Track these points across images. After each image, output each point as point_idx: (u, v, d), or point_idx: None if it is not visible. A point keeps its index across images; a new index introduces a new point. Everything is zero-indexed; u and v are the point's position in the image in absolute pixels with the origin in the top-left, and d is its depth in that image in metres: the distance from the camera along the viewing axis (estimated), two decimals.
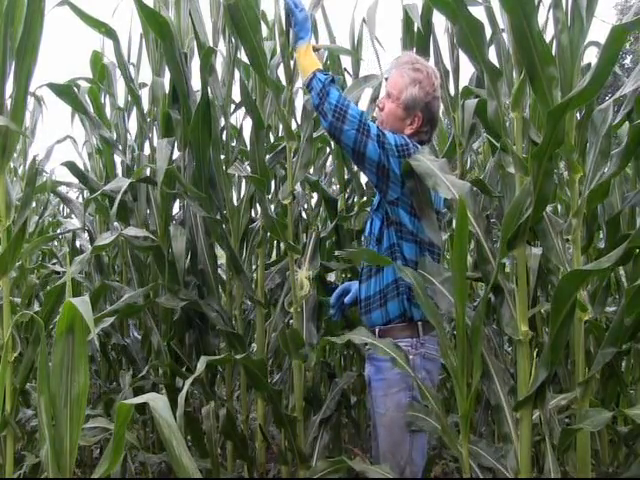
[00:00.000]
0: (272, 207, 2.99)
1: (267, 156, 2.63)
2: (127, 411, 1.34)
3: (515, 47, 1.71)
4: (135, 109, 3.07)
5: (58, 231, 4.07)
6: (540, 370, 1.67)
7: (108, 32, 2.83)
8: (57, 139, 3.84)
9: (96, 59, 3.32)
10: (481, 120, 2.65)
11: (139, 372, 2.86)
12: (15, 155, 3.72)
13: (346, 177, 3.27)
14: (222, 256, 2.85)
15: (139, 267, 3.05)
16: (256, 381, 2.33)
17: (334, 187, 3.71)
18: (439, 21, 8.79)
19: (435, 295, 1.91)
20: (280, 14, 2.31)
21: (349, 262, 2.95)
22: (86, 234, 3.55)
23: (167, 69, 2.63)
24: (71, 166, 3.13)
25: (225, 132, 2.68)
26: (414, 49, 2.73)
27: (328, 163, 3.79)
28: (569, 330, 1.68)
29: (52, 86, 2.70)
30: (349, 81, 3.20)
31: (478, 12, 1.80)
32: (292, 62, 2.39)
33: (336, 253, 2.35)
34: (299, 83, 2.40)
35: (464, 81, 2.80)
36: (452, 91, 2.77)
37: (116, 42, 2.88)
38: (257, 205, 2.88)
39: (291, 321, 2.58)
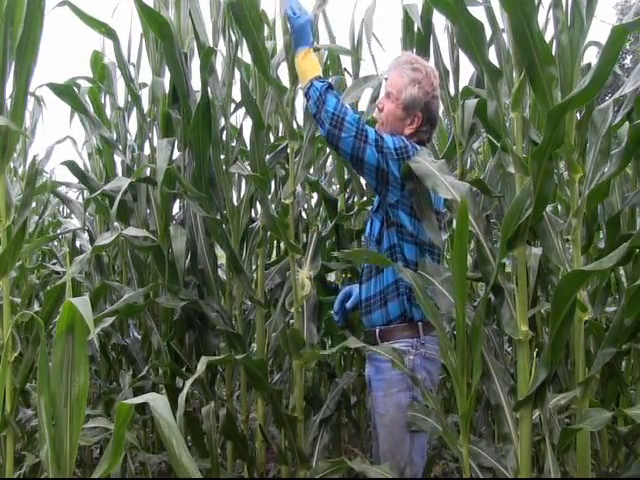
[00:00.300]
0: (272, 207, 3.00)
1: (267, 156, 2.63)
2: (127, 411, 1.34)
3: (515, 47, 1.71)
4: (135, 109, 3.07)
5: (58, 231, 4.07)
6: (540, 370, 1.67)
7: (108, 32, 2.83)
8: (57, 139, 3.84)
9: (96, 59, 3.32)
10: (481, 120, 2.65)
11: (139, 372, 2.86)
12: (15, 155, 3.72)
13: (346, 177, 3.27)
14: (222, 256, 2.84)
15: (139, 267, 3.04)
16: (256, 381, 2.33)
17: (334, 187, 3.71)
18: (439, 21, 8.80)
19: (435, 295, 1.91)
20: (283, 13, 2.31)
21: (349, 262, 2.95)
22: (86, 234, 3.55)
23: (167, 69, 2.63)
24: (71, 166, 3.13)
25: (225, 132, 2.68)
26: (414, 49, 2.73)
27: (328, 163, 3.79)
28: (569, 330, 1.68)
29: (52, 86, 2.70)
30: (349, 81, 3.20)
31: (478, 12, 1.80)
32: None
33: (336, 253, 2.35)
34: (301, 83, 2.40)
35: (464, 81, 2.81)
36: (452, 91, 2.77)
37: (116, 42, 2.87)
38: (257, 205, 2.88)
39: (291, 321, 2.58)
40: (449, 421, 1.96)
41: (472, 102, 2.66)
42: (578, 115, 2.04)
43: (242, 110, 3.01)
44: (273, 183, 3.22)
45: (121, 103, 3.34)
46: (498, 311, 1.80)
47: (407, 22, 2.80)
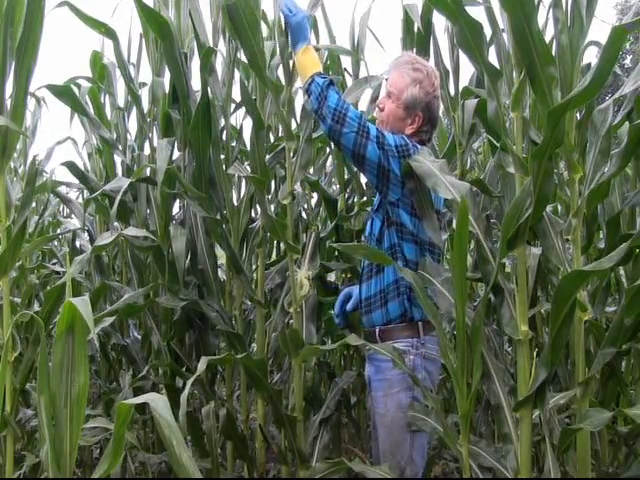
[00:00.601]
0: (272, 207, 3.00)
1: (267, 156, 2.63)
2: (127, 411, 1.34)
3: (515, 47, 1.71)
4: (135, 109, 3.07)
5: (58, 231, 4.07)
6: (540, 370, 1.67)
7: (108, 32, 2.82)
8: (58, 140, 3.84)
9: (96, 59, 3.32)
10: (481, 120, 2.65)
11: (139, 372, 2.86)
12: (15, 155, 3.72)
13: (346, 177, 3.27)
14: (222, 256, 2.84)
15: (139, 267, 3.04)
16: (256, 381, 2.33)
17: (334, 187, 3.71)
18: (439, 21, 8.79)
19: (435, 295, 1.91)
20: (279, 14, 2.31)
21: (349, 262, 2.95)
22: (86, 234, 3.55)
23: (167, 69, 2.63)
24: (71, 166, 3.13)
25: (225, 132, 2.68)
26: (414, 49, 2.73)
27: (328, 163, 3.79)
28: (569, 330, 1.68)
29: (51, 87, 2.69)
30: (349, 81, 3.20)
31: (478, 12, 1.80)
32: (291, 62, 2.39)
33: (334, 245, 2.34)
34: (299, 83, 2.40)
35: (464, 81, 2.81)
36: (452, 91, 2.77)
37: (116, 42, 2.87)
38: (257, 205, 2.88)
39: (291, 321, 2.58)
40: (449, 421, 1.96)
41: (472, 102, 2.66)
42: (578, 115, 2.04)
43: (242, 110, 3.02)
44: (273, 183, 3.23)
45: (121, 103, 3.34)
46: (498, 311, 1.80)
47: (407, 22, 2.80)
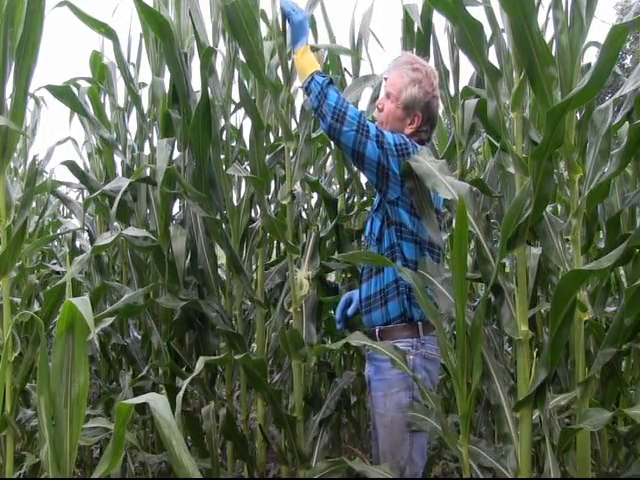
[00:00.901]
0: (272, 207, 3.00)
1: (267, 156, 2.63)
2: (127, 411, 1.34)
3: (515, 47, 1.71)
4: (135, 109, 3.07)
5: (58, 231, 4.07)
6: (540, 370, 1.67)
7: (108, 32, 2.82)
8: (58, 140, 3.84)
9: (96, 59, 3.32)
10: (481, 120, 2.65)
11: (139, 372, 2.86)
12: (15, 155, 3.72)
13: (346, 177, 3.27)
14: (222, 256, 2.84)
15: (139, 267, 3.04)
16: (256, 381, 2.33)
17: (334, 187, 3.71)
18: (439, 21, 8.79)
19: (435, 295, 1.91)
20: (277, 15, 2.31)
21: (349, 262, 2.95)
22: (86, 234, 3.55)
23: (167, 69, 2.63)
24: (71, 166, 3.13)
25: (225, 132, 2.68)
26: (414, 49, 2.73)
27: (328, 163, 3.79)
28: (569, 330, 1.68)
29: (51, 88, 2.69)
30: (349, 81, 3.20)
31: (478, 12, 1.80)
32: (290, 62, 2.39)
33: (336, 256, 2.34)
34: (298, 83, 2.40)
35: (464, 81, 2.81)
36: (452, 91, 2.77)
37: (116, 42, 2.87)
38: (257, 205, 2.88)
39: (291, 321, 2.58)
40: (449, 421, 1.96)
41: (472, 102, 2.66)
42: (578, 115, 2.04)
43: (242, 110, 3.01)
44: (273, 183, 3.23)
45: (121, 103, 3.34)
46: (498, 311, 1.80)
47: (407, 22, 2.80)
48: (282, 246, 3.48)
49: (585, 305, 1.89)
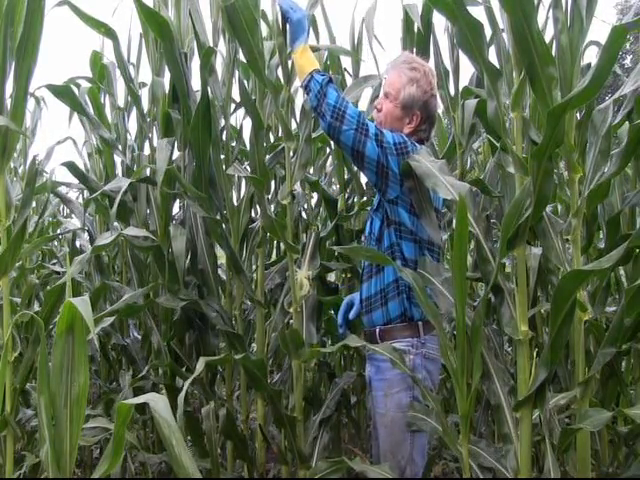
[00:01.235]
0: (272, 207, 3.00)
1: (267, 156, 2.63)
2: (127, 411, 1.34)
3: (515, 47, 1.71)
4: (135, 109, 3.07)
5: (58, 231, 4.07)
6: (540, 370, 1.67)
7: (108, 32, 2.82)
8: (58, 140, 3.84)
9: (96, 59, 3.32)
10: (481, 120, 2.65)
11: (139, 372, 2.86)
12: (15, 155, 3.72)
13: (346, 177, 3.27)
14: (222, 256, 2.84)
15: (139, 267, 3.04)
16: (256, 381, 2.33)
17: (334, 187, 3.71)
18: (439, 21, 8.80)
19: (435, 295, 1.91)
20: (277, 14, 2.31)
21: (349, 262, 2.95)
22: (86, 234, 3.55)
23: (167, 69, 2.63)
24: (71, 166, 3.13)
25: (225, 132, 2.68)
26: (414, 49, 2.73)
27: (328, 163, 3.79)
28: (569, 330, 1.68)
29: (51, 87, 2.69)
30: (349, 81, 3.20)
31: (478, 12, 1.80)
32: (290, 62, 2.39)
33: (335, 248, 2.34)
34: (298, 83, 2.40)
35: (464, 81, 2.81)
36: (452, 91, 2.77)
37: (116, 42, 2.87)
38: (257, 205, 2.88)
39: (291, 321, 2.58)
40: (449, 421, 1.95)
41: (472, 102, 2.66)
42: (578, 115, 2.04)
43: (242, 110, 3.02)
44: (273, 183, 3.23)
45: (121, 103, 3.34)
46: (498, 311, 1.80)
47: (407, 22, 2.80)
48: (282, 246, 3.48)
49: (585, 305, 1.89)
